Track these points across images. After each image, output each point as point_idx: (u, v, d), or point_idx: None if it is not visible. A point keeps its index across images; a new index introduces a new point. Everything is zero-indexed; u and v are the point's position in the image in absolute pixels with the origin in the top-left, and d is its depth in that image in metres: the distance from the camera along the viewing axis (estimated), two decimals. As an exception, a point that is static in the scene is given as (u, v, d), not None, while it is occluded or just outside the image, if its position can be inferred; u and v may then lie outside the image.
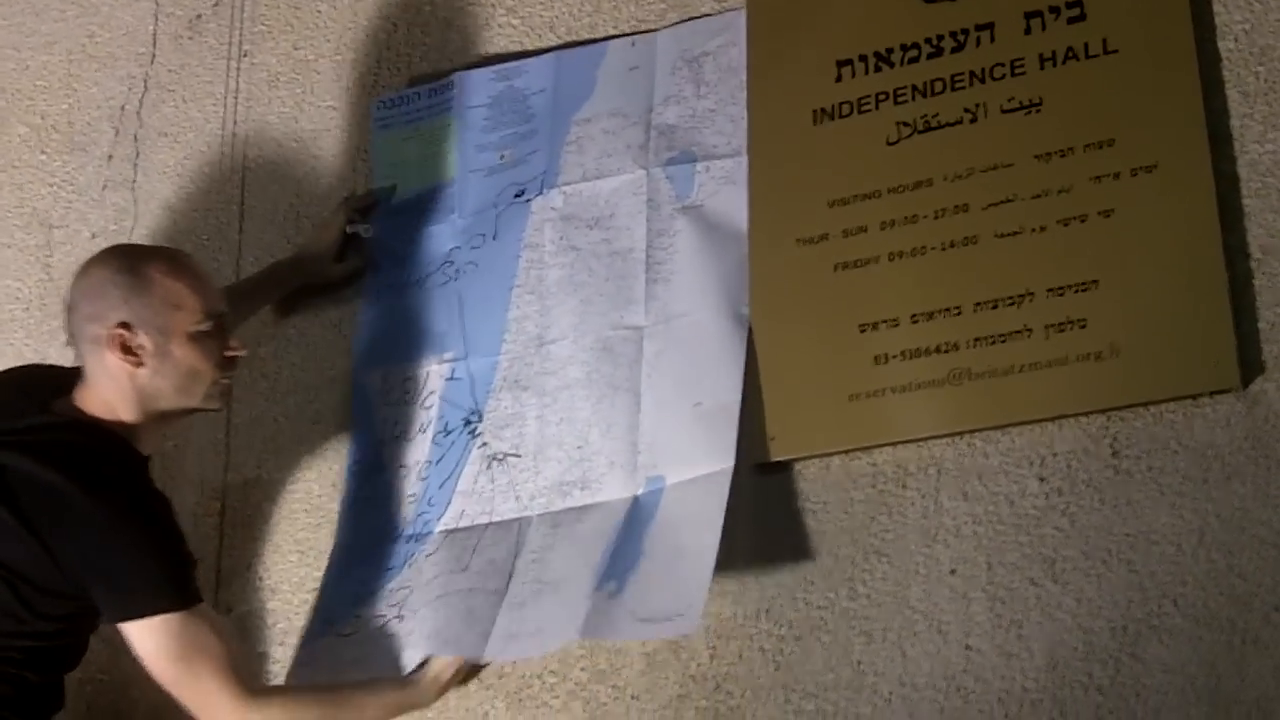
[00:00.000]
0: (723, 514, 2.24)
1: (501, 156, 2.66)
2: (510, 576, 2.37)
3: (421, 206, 2.69)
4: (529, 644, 2.30)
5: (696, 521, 2.26)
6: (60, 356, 2.86)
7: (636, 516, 2.32)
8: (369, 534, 2.52)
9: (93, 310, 2.31)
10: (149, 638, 2.23)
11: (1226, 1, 2.25)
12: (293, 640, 2.52)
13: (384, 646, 2.40)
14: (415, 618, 2.40)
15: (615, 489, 2.36)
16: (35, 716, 2.30)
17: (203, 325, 2.31)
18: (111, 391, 2.31)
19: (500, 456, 2.47)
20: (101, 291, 2.31)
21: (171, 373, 2.31)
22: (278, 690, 2.39)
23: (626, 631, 2.24)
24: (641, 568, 2.26)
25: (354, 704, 2.34)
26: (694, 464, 2.31)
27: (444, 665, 2.35)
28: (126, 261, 2.34)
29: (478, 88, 2.72)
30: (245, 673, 2.28)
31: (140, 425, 2.33)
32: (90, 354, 2.32)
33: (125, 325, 2.28)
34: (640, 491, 2.34)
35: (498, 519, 2.43)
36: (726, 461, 2.28)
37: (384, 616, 2.43)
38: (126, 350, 2.29)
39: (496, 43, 2.76)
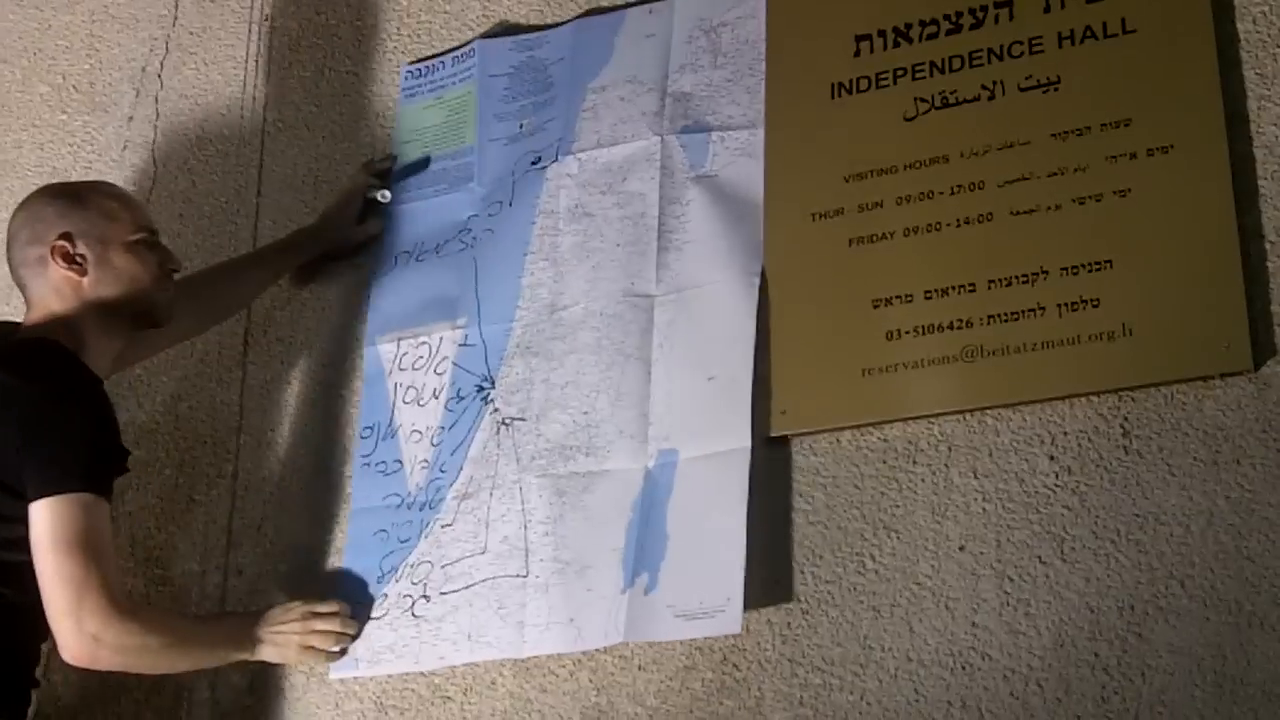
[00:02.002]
0: (745, 497, 2.24)
1: (521, 126, 2.66)
2: (526, 554, 2.37)
3: (441, 175, 2.69)
4: (567, 637, 2.30)
5: (718, 503, 2.25)
6: (78, 316, 2.90)
7: (652, 493, 2.32)
8: (381, 500, 2.52)
9: (31, 234, 2.40)
10: (49, 516, 2.22)
11: (1245, -18, 2.25)
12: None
13: (421, 636, 2.40)
14: (444, 605, 2.40)
15: (624, 459, 2.36)
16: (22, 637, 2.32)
17: (138, 235, 2.43)
18: (57, 305, 2.38)
19: (508, 421, 2.47)
20: (38, 216, 2.41)
21: (114, 281, 2.40)
22: (141, 607, 2.36)
23: (669, 631, 2.23)
24: (670, 556, 2.26)
25: (206, 641, 2.37)
26: (708, 439, 2.30)
27: (291, 628, 2.38)
28: (57, 189, 2.50)
29: (499, 57, 2.71)
30: (119, 570, 2.28)
31: (89, 341, 2.37)
32: (34, 278, 2.40)
33: (65, 236, 2.38)
34: (651, 464, 2.33)
35: (500, 483, 2.43)
36: (743, 440, 2.28)
37: (410, 596, 2.44)
38: (69, 260, 2.37)
39: (516, 8, 2.76)
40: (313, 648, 2.40)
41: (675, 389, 2.36)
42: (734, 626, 2.19)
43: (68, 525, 2.22)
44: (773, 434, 2.29)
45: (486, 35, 2.75)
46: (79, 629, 2.22)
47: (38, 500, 2.22)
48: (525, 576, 2.36)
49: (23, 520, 2.24)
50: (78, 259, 2.37)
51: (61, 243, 2.37)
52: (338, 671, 2.45)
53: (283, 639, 2.38)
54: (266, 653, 2.40)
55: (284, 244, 2.72)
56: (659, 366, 2.39)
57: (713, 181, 2.45)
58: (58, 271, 2.38)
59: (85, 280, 2.38)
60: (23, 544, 2.25)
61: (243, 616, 2.45)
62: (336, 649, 2.42)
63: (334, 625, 2.41)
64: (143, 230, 2.45)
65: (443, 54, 2.77)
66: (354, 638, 2.43)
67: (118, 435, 2.35)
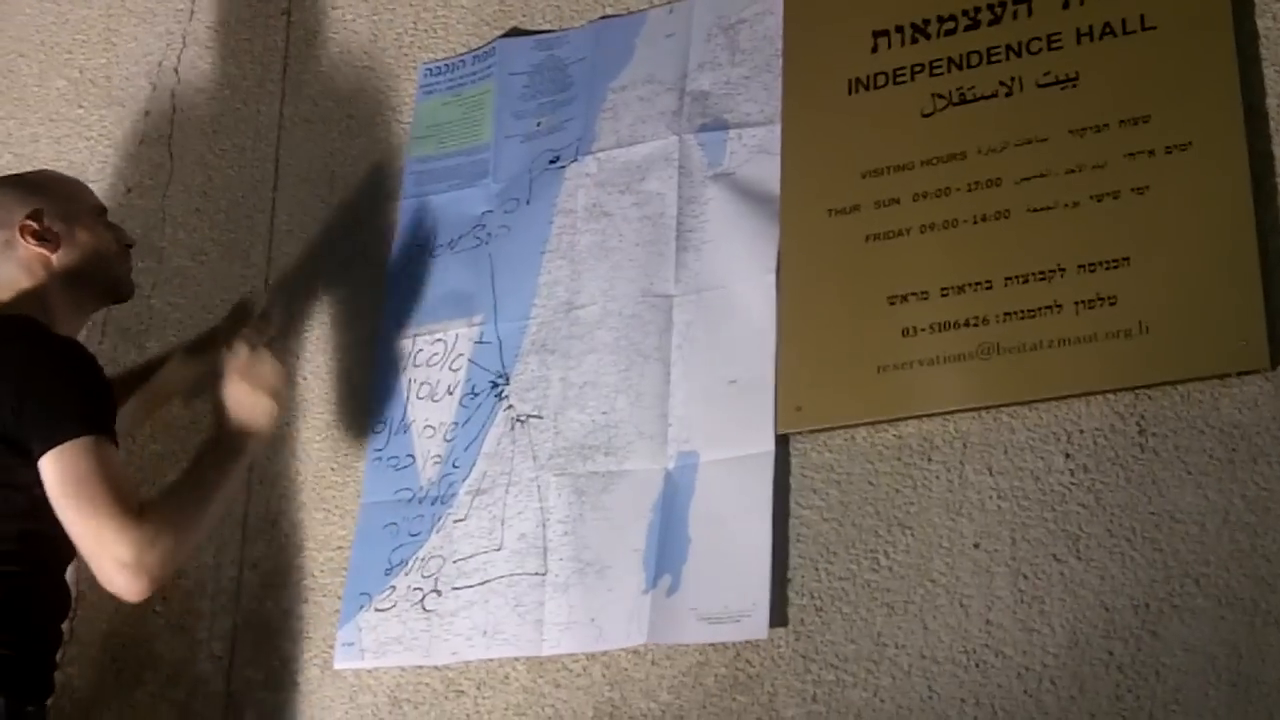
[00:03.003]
0: (770, 502, 2.25)
1: (538, 123, 2.67)
2: (545, 553, 2.38)
3: (457, 171, 2.70)
4: (588, 637, 2.31)
5: (742, 507, 2.26)
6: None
7: (673, 495, 2.32)
8: (393, 494, 2.53)
9: None
10: (54, 468, 2.21)
11: (1265, -22, 2.25)
12: (317, 597, 2.54)
13: (432, 630, 2.41)
14: (457, 600, 2.41)
15: (643, 460, 2.36)
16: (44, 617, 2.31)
17: (96, 211, 2.50)
18: (27, 283, 2.40)
19: (523, 418, 2.48)
20: (1, 204, 2.43)
21: (81, 255, 2.44)
22: (149, 508, 2.29)
23: (693, 633, 2.24)
24: (693, 558, 2.27)
25: (209, 480, 2.33)
26: (730, 443, 2.31)
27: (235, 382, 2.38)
28: (9, 179, 2.54)
29: (519, 56, 2.72)
30: (133, 493, 2.25)
31: (59, 316, 2.40)
32: (2, 262, 2.40)
33: (34, 215, 2.41)
34: (671, 465, 2.34)
35: (516, 480, 2.44)
36: (766, 444, 2.28)
37: (420, 589, 2.45)
38: (39, 237, 2.40)
39: (534, 6, 2.76)
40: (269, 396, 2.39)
41: (695, 391, 2.37)
42: (760, 631, 2.20)
43: (72, 471, 2.21)
44: (787, 430, 2.29)
45: (503, 31, 2.75)
46: (115, 567, 2.19)
47: (42, 456, 2.22)
48: (544, 575, 2.37)
49: (36, 484, 2.23)
50: (48, 235, 2.40)
51: (30, 221, 2.40)
52: (342, 662, 2.47)
53: (246, 408, 2.37)
54: (255, 431, 2.38)
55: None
56: (678, 367, 2.39)
57: (731, 179, 2.46)
58: (27, 250, 2.40)
59: (55, 256, 2.41)
60: (40, 510, 2.24)
61: (211, 436, 2.39)
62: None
63: (266, 364, 2.40)
64: (98, 207, 2.52)
65: (463, 54, 2.78)
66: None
67: (108, 382, 2.36)
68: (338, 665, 2.47)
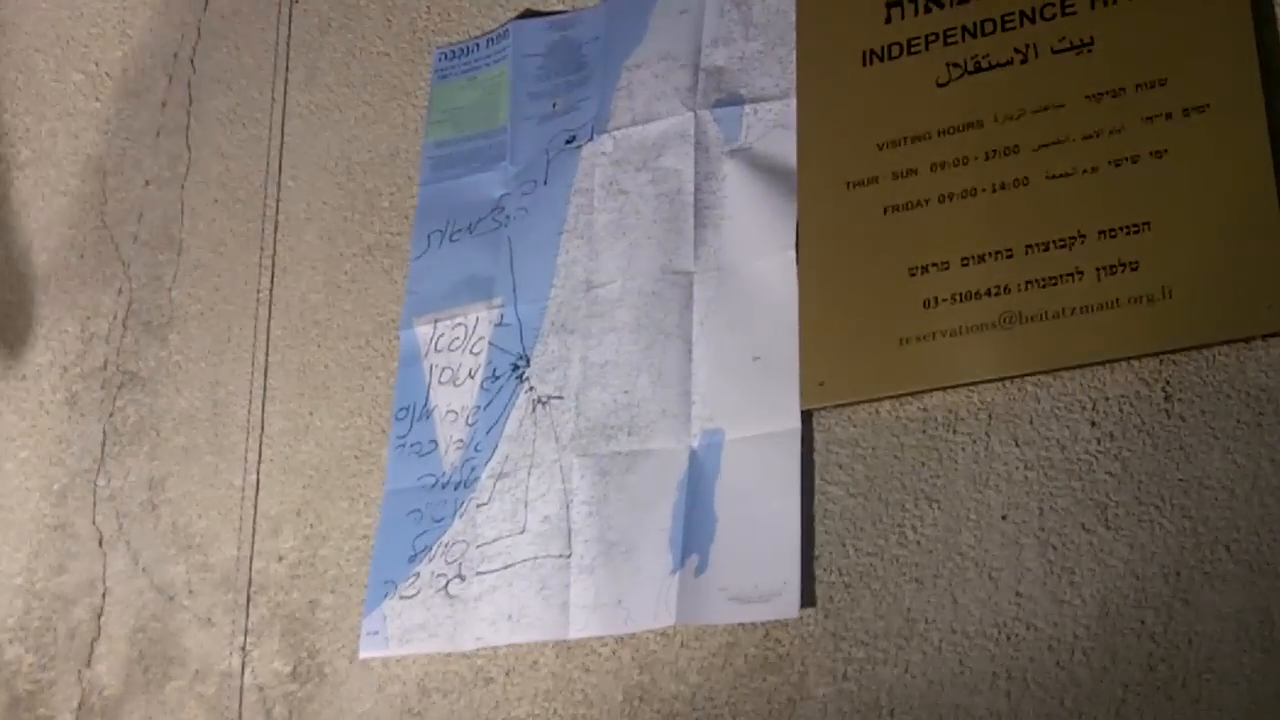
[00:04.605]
0: (798, 479, 2.26)
1: (554, 104, 2.69)
2: (570, 535, 2.40)
3: (474, 154, 2.72)
4: (615, 619, 2.32)
5: (770, 485, 2.27)
6: (114, 304, 2.95)
7: (698, 473, 2.33)
8: (416, 480, 2.55)
9: None
10: None
11: (1280, -64, 2.24)
12: (345, 588, 2.55)
13: (456, 616, 2.43)
14: (482, 585, 2.43)
15: (667, 439, 2.38)
16: None
17: None
18: None
19: (544, 400, 2.50)
20: None
21: None
22: None
23: (723, 613, 2.25)
24: (720, 537, 2.28)
25: None
26: (756, 420, 2.32)
27: None
28: None
29: (533, 37, 2.74)
30: None
31: None
32: None
33: None
34: (696, 444, 2.35)
35: (539, 462, 2.46)
36: (792, 421, 2.29)
37: (444, 575, 2.47)
38: None
39: (546, -14, 2.78)
40: None
41: (718, 368, 2.38)
42: (791, 610, 2.21)
43: None
44: (811, 406, 2.30)
45: (517, 12, 2.78)
46: None
47: None
48: (569, 557, 2.38)
49: None
50: None
51: None
52: (367, 651, 2.48)
53: None
54: None
55: None
56: (700, 345, 2.41)
57: (748, 154, 2.47)
58: None
59: None
60: None
61: None
62: None
63: None
64: None
65: (477, 37, 2.80)
66: None
67: None
68: (363, 654, 2.49)
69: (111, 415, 2.87)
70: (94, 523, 2.80)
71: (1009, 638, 2.11)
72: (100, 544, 2.78)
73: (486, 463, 2.51)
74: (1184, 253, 2.12)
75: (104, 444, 2.86)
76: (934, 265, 2.27)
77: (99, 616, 2.73)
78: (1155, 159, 2.17)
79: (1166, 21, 2.22)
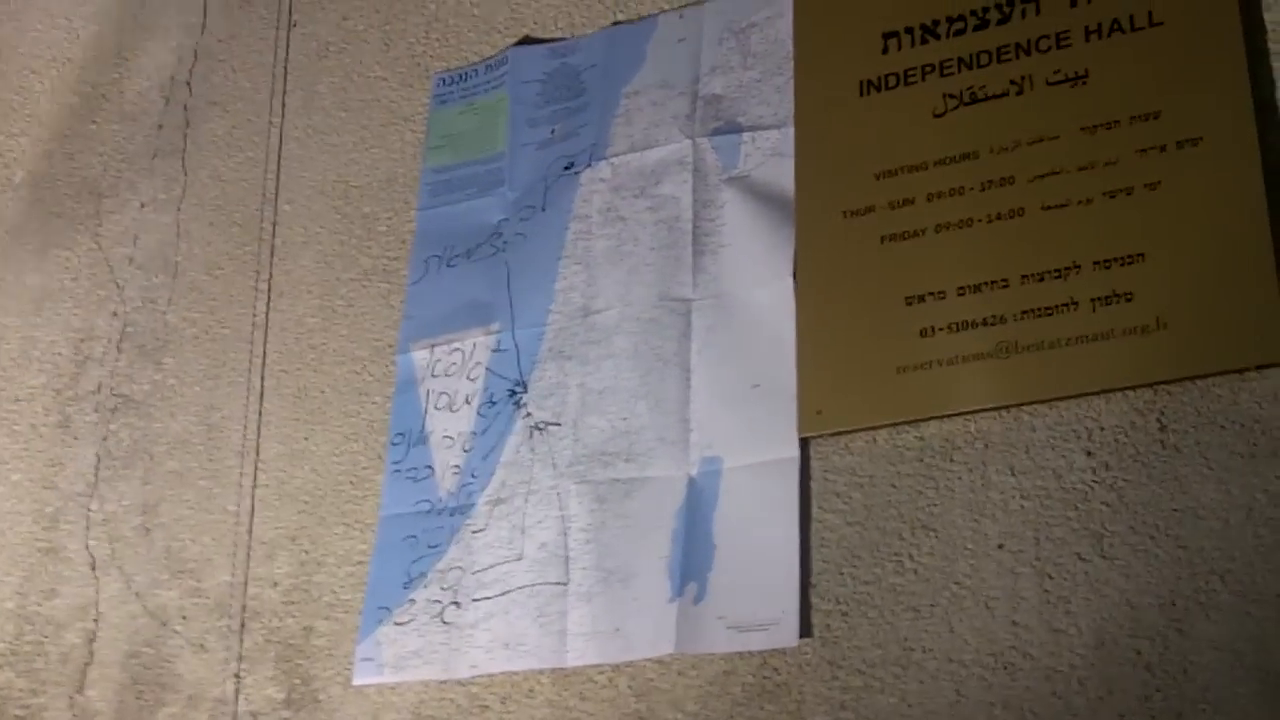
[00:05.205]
0: (797, 507, 2.29)
1: (552, 130, 2.73)
2: (567, 562, 2.43)
3: (472, 179, 2.76)
4: (612, 647, 2.35)
5: (768, 513, 2.31)
6: (108, 327, 2.97)
7: (697, 501, 2.37)
8: (412, 506, 2.57)
9: None
10: None
11: (1271, -29, 2.29)
12: (339, 614, 2.57)
13: (451, 643, 2.46)
14: (478, 611, 2.46)
15: (666, 466, 2.41)
16: None
17: None
18: None
19: (542, 426, 2.53)
20: None
21: None
22: None
23: (722, 642, 2.28)
24: (719, 565, 2.31)
25: None
26: (755, 448, 2.36)
27: None
28: None
29: (532, 64, 2.79)
30: None
31: None
32: None
33: None
34: (694, 472, 2.39)
35: (536, 489, 2.49)
36: (790, 450, 2.33)
37: (439, 602, 2.49)
38: None
39: (545, 13, 2.83)
40: None
41: (717, 395, 2.41)
42: (790, 639, 2.24)
43: None
44: (808, 434, 2.33)
45: (516, 39, 2.82)
46: None
47: None
48: (566, 584, 2.41)
49: None
50: None
51: None
52: (361, 678, 2.50)
53: None
54: None
55: None
56: (698, 373, 2.44)
57: (746, 182, 2.52)
58: None
59: None
60: None
61: None
62: None
63: None
64: None
65: (476, 63, 2.85)
66: None
67: None
68: (356, 681, 2.50)
69: (105, 439, 2.90)
70: (87, 547, 2.83)
71: (1005, 667, 2.14)
72: (93, 568, 2.81)
73: (483, 489, 2.54)
74: (1177, 284, 2.16)
75: (97, 467, 2.88)
76: (931, 294, 2.31)
77: (91, 641, 2.75)
78: (1149, 191, 2.22)
79: (1160, 55, 2.27)
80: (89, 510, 2.86)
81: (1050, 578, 2.15)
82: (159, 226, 3.02)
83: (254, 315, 2.86)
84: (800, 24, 2.55)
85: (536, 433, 2.54)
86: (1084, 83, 2.31)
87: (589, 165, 2.66)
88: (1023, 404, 2.23)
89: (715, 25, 2.64)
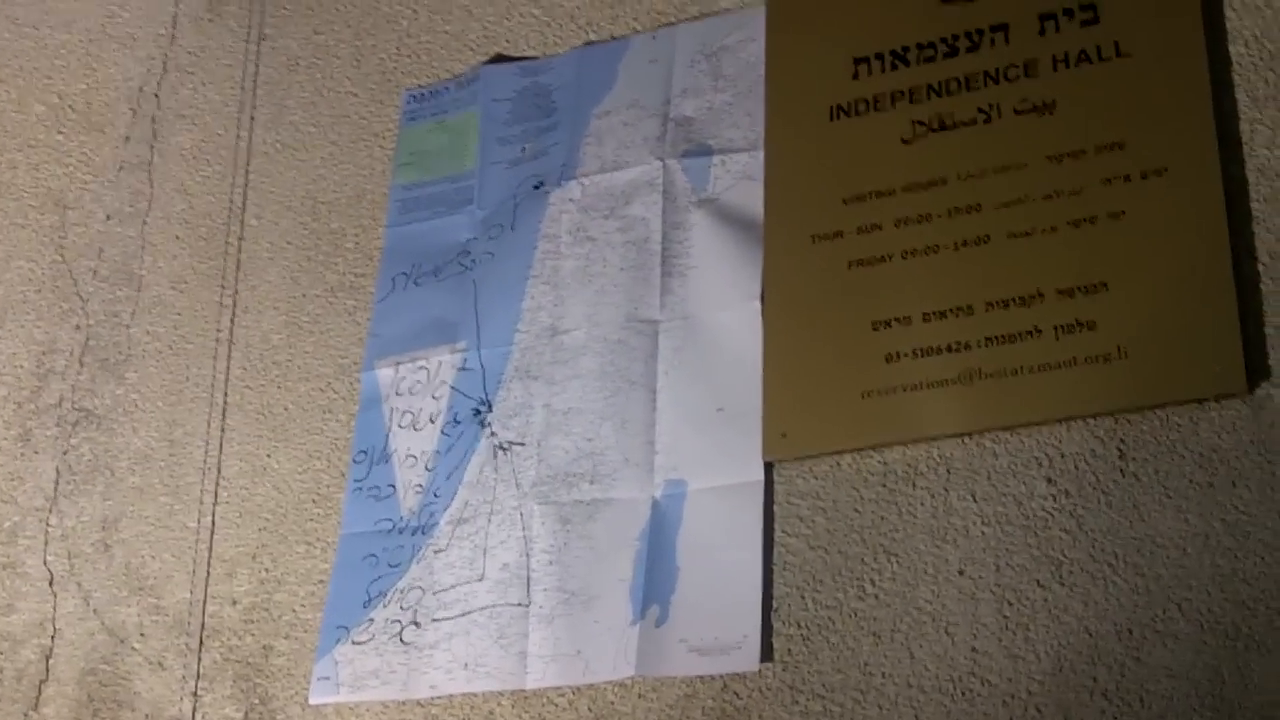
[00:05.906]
0: (760, 531, 2.33)
1: (523, 149, 2.77)
2: (529, 583, 2.46)
3: (441, 198, 2.80)
4: (573, 669, 2.38)
5: (732, 536, 2.34)
6: (71, 340, 2.98)
7: (660, 524, 2.40)
8: (373, 525, 2.60)
9: None
10: None
11: (1237, 6, 2.34)
12: (299, 633, 2.59)
13: (410, 663, 2.48)
14: (438, 632, 2.48)
15: (630, 488, 2.44)
16: None
17: None
18: None
19: (506, 446, 2.56)
20: None
21: None
22: None
23: (683, 665, 2.31)
24: (681, 588, 2.34)
25: None
26: (719, 471, 2.39)
27: None
28: None
29: (503, 82, 2.83)
30: None
31: None
32: None
33: None
34: (659, 494, 2.42)
35: (499, 509, 2.52)
36: (755, 473, 2.37)
37: (399, 621, 2.52)
38: None
39: (517, 31, 2.87)
40: None
41: (682, 418, 2.45)
42: (751, 663, 2.27)
43: None
44: (772, 458, 2.37)
45: (487, 57, 2.86)
46: None
47: None
48: (528, 606, 2.44)
49: None
50: None
51: None
52: (317, 697, 2.51)
53: None
54: None
55: None
56: (664, 394, 2.48)
57: (715, 205, 2.56)
58: None
59: None
60: None
61: None
62: None
63: None
64: None
65: (447, 80, 2.89)
66: None
67: None
68: (313, 700, 2.51)
69: (65, 453, 2.91)
70: (45, 562, 2.84)
71: (964, 693, 2.18)
72: (51, 584, 2.82)
73: (446, 508, 2.56)
74: (1140, 314, 2.21)
75: (57, 482, 2.89)
76: (896, 320, 2.36)
77: (48, 658, 2.76)
78: (1113, 220, 2.27)
79: (1126, 85, 2.33)
80: (48, 525, 2.86)
81: (1010, 604, 2.19)
82: (124, 239, 3.03)
83: (218, 330, 2.88)
84: (772, 48, 2.61)
85: (501, 452, 2.57)
86: (1051, 112, 2.36)
87: (559, 185, 2.70)
88: (985, 430, 2.27)
89: (687, 47, 2.70)
